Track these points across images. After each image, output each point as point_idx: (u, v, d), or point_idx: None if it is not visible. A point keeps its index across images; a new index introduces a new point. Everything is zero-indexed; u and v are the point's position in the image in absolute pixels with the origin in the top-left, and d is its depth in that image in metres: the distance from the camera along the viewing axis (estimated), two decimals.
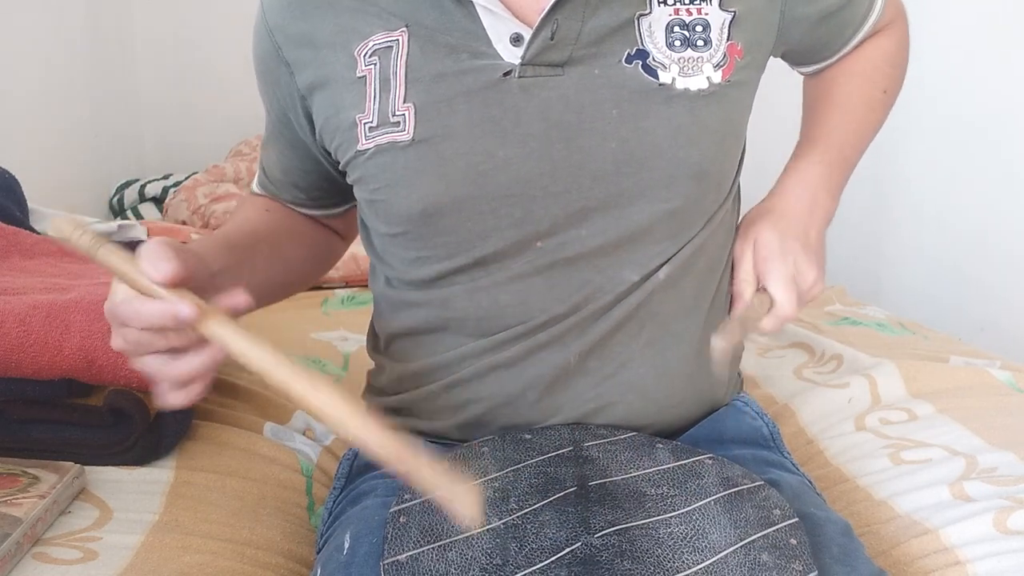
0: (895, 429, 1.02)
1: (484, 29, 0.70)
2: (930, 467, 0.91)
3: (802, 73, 0.94)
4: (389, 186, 0.73)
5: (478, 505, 0.50)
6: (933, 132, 2.02)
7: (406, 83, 0.71)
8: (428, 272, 0.76)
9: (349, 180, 0.78)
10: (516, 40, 0.70)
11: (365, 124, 0.73)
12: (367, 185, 0.75)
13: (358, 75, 0.73)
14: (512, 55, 0.70)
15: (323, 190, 0.87)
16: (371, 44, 0.72)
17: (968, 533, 0.79)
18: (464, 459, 0.72)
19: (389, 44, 0.72)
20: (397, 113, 0.71)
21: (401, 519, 0.64)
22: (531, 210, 0.72)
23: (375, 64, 0.72)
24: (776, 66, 0.86)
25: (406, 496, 0.66)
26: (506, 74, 0.70)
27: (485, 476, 0.69)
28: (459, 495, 0.50)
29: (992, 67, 1.92)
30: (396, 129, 0.71)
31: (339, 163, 0.77)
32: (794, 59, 0.89)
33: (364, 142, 0.73)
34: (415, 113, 0.71)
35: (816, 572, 0.59)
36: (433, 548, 0.61)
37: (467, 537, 0.62)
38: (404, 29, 0.72)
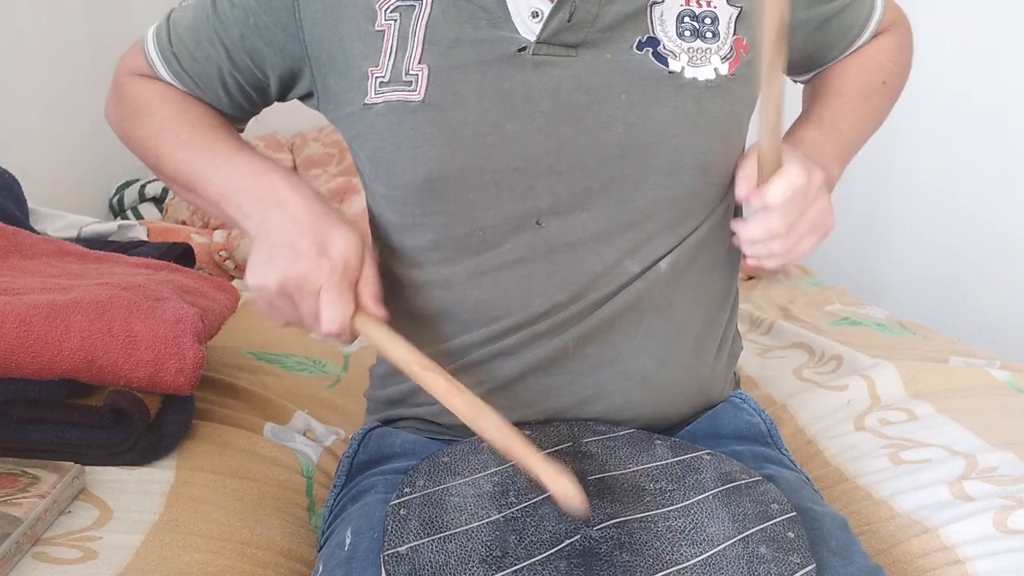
0: (894, 429, 1.02)
1: (505, 1, 0.71)
2: (930, 467, 0.91)
3: (802, 83, 0.94)
4: (395, 146, 0.72)
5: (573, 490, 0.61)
6: (932, 129, 2.02)
7: (423, 44, 0.71)
8: (422, 240, 0.75)
9: (345, 135, 0.77)
10: (535, 15, 0.70)
11: (377, 78, 0.72)
12: (369, 142, 0.74)
13: (376, 28, 0.73)
14: (529, 31, 0.71)
15: (246, 104, 0.83)
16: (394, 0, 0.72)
17: (968, 532, 0.79)
18: (465, 453, 0.72)
19: (412, 3, 0.72)
20: (411, 72, 0.72)
21: (401, 512, 0.64)
22: (534, 186, 0.72)
23: (395, 20, 0.72)
24: None
25: (406, 490, 0.67)
26: (521, 50, 0.71)
27: (485, 471, 0.69)
28: (556, 481, 0.61)
29: (987, 65, 1.92)
30: (408, 88, 0.71)
31: (328, 109, 0.76)
32: (797, 69, 0.90)
33: (373, 96, 0.73)
34: (428, 75, 0.71)
35: (813, 565, 0.59)
36: (433, 540, 0.61)
37: (467, 529, 0.62)
38: None
